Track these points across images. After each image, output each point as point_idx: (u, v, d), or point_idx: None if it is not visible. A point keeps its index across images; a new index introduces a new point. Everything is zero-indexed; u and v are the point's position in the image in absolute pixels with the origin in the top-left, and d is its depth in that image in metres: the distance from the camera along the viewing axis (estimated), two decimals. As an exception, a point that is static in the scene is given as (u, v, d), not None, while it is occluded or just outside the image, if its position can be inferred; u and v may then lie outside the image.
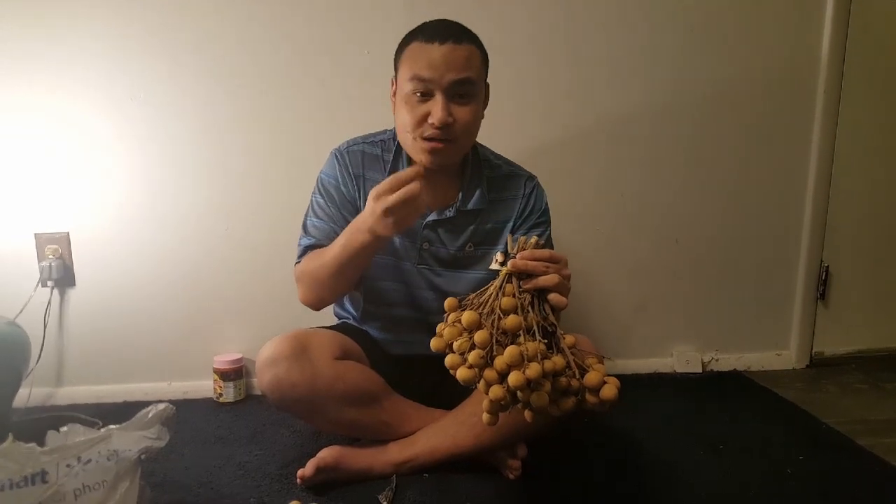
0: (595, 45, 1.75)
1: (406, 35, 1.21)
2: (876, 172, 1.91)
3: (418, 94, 1.16)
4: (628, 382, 1.77)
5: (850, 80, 1.83)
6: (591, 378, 0.90)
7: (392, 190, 1.04)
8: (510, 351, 0.86)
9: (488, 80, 1.26)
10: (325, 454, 1.21)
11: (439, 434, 1.25)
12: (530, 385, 0.86)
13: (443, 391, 1.32)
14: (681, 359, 1.91)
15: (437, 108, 1.14)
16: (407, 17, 1.60)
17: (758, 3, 1.77)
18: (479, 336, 0.89)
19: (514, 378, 0.85)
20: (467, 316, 0.91)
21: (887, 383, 1.81)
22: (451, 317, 0.94)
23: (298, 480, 1.21)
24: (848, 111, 1.84)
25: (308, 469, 1.19)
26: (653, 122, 1.81)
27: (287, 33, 1.66)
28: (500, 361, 0.87)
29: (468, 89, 1.16)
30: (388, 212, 1.04)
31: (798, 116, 1.85)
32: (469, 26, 1.20)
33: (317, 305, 1.30)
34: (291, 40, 1.66)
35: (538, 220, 1.33)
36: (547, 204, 1.36)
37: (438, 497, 1.19)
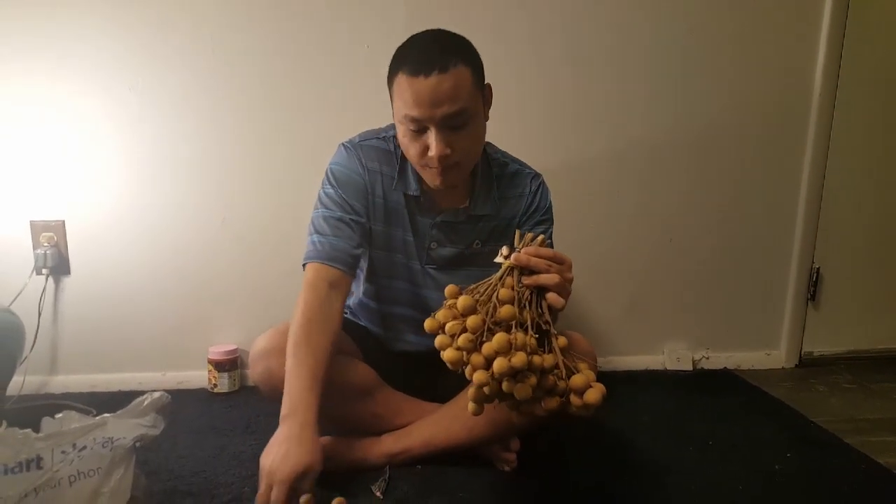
0: (600, 68, 1.77)
1: (394, 57, 1.14)
2: (867, 177, 1.93)
3: (413, 130, 1.12)
4: (620, 379, 1.82)
5: (844, 87, 1.85)
6: (577, 380, 0.90)
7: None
8: (499, 337, 0.87)
9: (489, 82, 1.20)
10: (319, 444, 1.22)
11: (433, 426, 1.26)
12: (516, 376, 0.87)
13: (437, 385, 1.33)
14: (672, 356, 1.93)
15: (433, 143, 1.11)
16: (407, 11, 1.61)
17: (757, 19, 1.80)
18: (471, 320, 0.90)
19: (498, 364, 0.86)
20: (462, 300, 0.92)
21: (875, 383, 1.83)
22: (449, 302, 0.95)
23: (292, 470, 1.21)
24: (841, 118, 1.86)
25: (302, 459, 1.20)
26: (653, 131, 1.82)
27: (286, 26, 1.66)
28: (487, 347, 0.88)
29: (462, 118, 1.11)
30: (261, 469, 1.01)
31: (792, 123, 1.86)
32: (468, 42, 1.18)
33: None
34: (290, 33, 1.66)
35: (542, 217, 1.33)
36: (551, 203, 1.36)
37: (432, 488, 1.20)
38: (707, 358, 1.95)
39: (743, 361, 1.96)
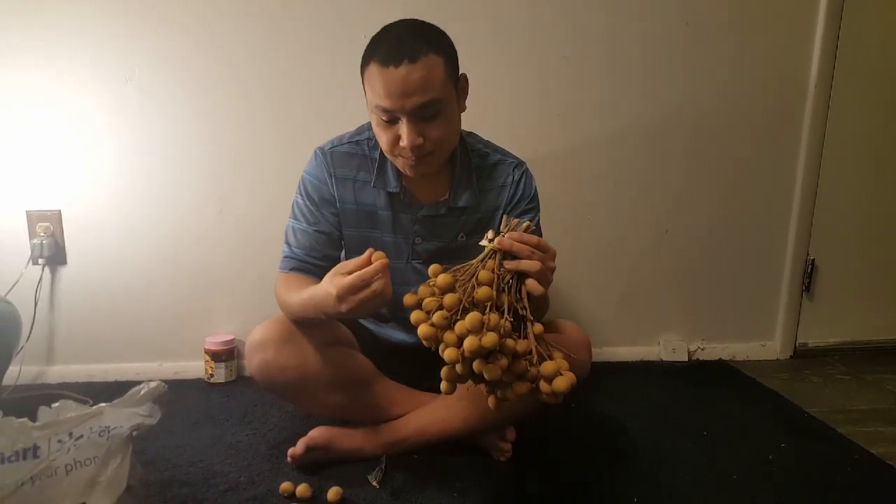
0: (597, 59, 1.77)
1: (367, 47, 1.14)
2: (862, 169, 1.93)
3: (385, 120, 1.13)
4: (615, 369, 1.83)
5: (840, 79, 1.85)
6: (548, 367, 0.91)
7: (355, 290, 1.00)
8: (471, 316, 0.87)
9: (464, 72, 1.20)
10: (316, 434, 1.23)
11: (429, 416, 1.27)
12: (486, 356, 0.88)
13: (432, 376, 1.32)
14: (667, 347, 1.94)
15: (405, 134, 1.11)
16: (405, 4, 1.60)
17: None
18: (448, 298, 0.91)
19: (469, 342, 0.86)
20: (442, 278, 0.93)
21: (868, 374, 1.84)
22: (431, 280, 0.96)
23: (289, 459, 1.22)
24: (836, 111, 1.86)
25: (298, 448, 1.21)
26: (649, 122, 1.82)
27: (283, 17, 1.65)
28: (460, 325, 0.88)
29: (434, 108, 1.11)
30: (352, 311, 1.02)
31: (788, 115, 1.86)
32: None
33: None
34: (287, 24, 1.66)
35: (527, 206, 1.33)
36: (536, 190, 1.35)
37: (428, 478, 1.20)
38: (702, 349, 1.96)
39: (738, 352, 1.97)
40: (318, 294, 1.08)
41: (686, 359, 1.93)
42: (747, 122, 1.85)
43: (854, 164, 1.92)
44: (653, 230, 1.89)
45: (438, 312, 0.90)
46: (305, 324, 1.21)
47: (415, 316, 0.93)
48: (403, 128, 1.11)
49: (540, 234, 1.33)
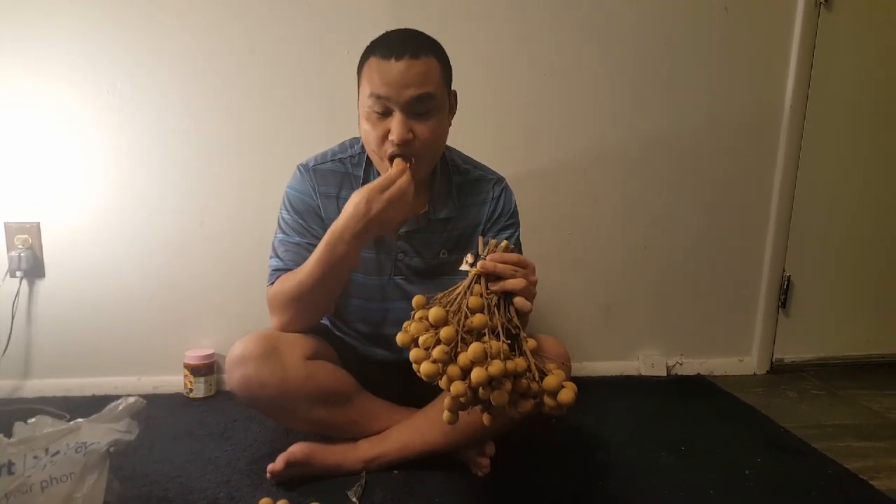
0: (581, 78, 1.80)
1: (366, 48, 1.18)
2: (837, 188, 1.98)
3: (377, 112, 1.14)
4: (595, 384, 1.84)
5: (814, 101, 1.89)
6: (550, 381, 0.91)
7: (382, 189, 1.09)
8: (474, 347, 0.88)
9: (455, 89, 1.24)
10: (296, 449, 1.22)
11: (409, 431, 1.27)
12: (491, 383, 0.88)
13: (413, 391, 1.33)
14: (646, 362, 1.95)
15: (395, 126, 1.12)
16: (392, 16, 1.62)
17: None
18: (444, 332, 0.90)
19: (476, 374, 0.87)
20: (434, 312, 0.92)
21: (842, 390, 1.87)
22: (419, 313, 0.95)
23: (268, 475, 1.21)
24: (811, 132, 1.91)
25: (278, 464, 1.20)
26: (629, 140, 1.85)
27: (267, 31, 1.66)
28: (463, 357, 0.88)
29: (428, 104, 1.14)
30: (382, 211, 1.09)
31: (764, 135, 1.90)
32: (452, 48, 1.19)
33: (295, 328, 1.24)
34: (272, 38, 1.67)
35: (507, 222, 1.34)
36: (516, 206, 1.36)
37: (408, 494, 1.20)
38: (681, 364, 1.98)
39: (716, 368, 2.00)
40: (335, 226, 1.14)
41: (665, 374, 1.95)
42: (725, 141, 1.89)
43: (829, 182, 1.97)
44: (632, 246, 1.91)
45: (439, 347, 0.90)
46: (312, 308, 1.24)
47: (414, 354, 0.92)
48: (395, 121, 1.13)
49: (520, 250, 1.34)
